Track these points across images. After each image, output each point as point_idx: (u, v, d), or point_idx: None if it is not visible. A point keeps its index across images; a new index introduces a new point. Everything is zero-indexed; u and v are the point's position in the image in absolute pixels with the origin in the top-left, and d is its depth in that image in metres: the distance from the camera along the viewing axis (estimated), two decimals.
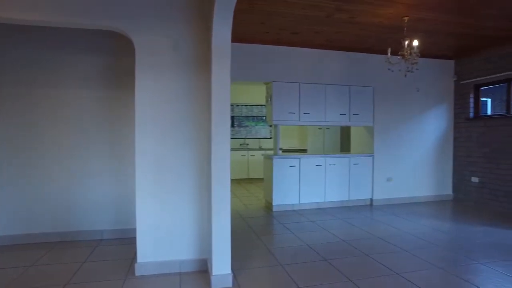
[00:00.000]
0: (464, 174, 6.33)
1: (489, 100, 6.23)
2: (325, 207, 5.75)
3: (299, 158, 5.51)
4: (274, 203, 5.43)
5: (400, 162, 6.12)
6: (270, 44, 5.39)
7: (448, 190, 6.53)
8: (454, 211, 5.64)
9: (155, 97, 2.96)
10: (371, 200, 6.00)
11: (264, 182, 6.05)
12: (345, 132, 9.70)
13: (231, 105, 9.45)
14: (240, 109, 9.59)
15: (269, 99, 5.51)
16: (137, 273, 2.93)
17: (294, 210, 5.52)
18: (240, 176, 8.86)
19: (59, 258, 3.37)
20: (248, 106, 9.61)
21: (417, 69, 4.22)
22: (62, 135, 3.87)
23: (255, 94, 9.48)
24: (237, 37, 5.00)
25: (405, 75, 4.62)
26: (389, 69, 4.26)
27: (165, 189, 3.00)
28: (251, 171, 8.86)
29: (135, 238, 3.06)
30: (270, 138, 9.72)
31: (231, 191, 7.57)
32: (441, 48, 5.69)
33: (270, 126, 9.94)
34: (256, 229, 4.45)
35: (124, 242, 3.83)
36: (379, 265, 3.20)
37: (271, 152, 8.96)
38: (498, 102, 5.98)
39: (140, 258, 2.95)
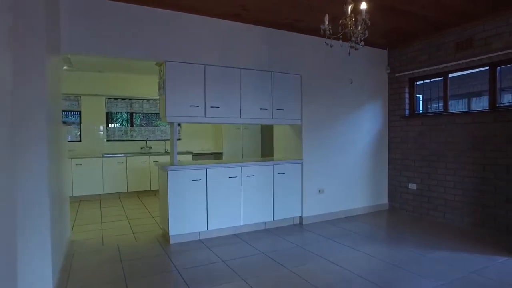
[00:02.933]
0: (400, 180, 5.50)
1: (419, 96, 5.50)
2: (242, 232, 4.34)
3: (205, 169, 4.01)
4: (171, 232, 3.84)
5: (332, 169, 5.00)
6: (163, 8, 3.79)
7: (384, 199, 5.65)
8: (391, 226, 4.70)
9: None
10: (301, 218, 4.77)
11: (159, 202, 4.41)
12: (267, 133, 8.51)
13: (129, 99, 7.55)
14: (140, 104, 7.72)
15: (161, 87, 3.90)
16: None
17: (200, 241, 4.00)
18: (139, 187, 7.03)
19: None
20: (150, 100, 7.79)
21: (362, 45, 3.06)
22: None
23: None
24: None
25: (349, 53, 3.42)
26: (327, 44, 3.01)
27: None
28: (154, 181, 7.10)
29: None
30: (179, 139, 8.04)
31: (123, 208, 5.74)
32: (373, 33, 4.68)
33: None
34: (133, 283, 2.82)
35: None
36: None
37: (181, 157, 7.29)
38: (431, 98, 5.23)
39: None
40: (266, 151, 8.32)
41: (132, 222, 4.90)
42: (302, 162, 4.71)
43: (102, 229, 4.57)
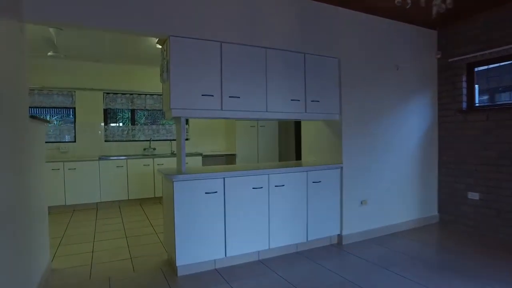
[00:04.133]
0: (455, 187, 4.50)
1: (477, 86, 4.50)
2: (269, 257, 3.40)
3: (223, 178, 3.06)
4: (179, 262, 2.90)
5: (376, 174, 4.04)
6: None
7: (433, 211, 4.66)
8: (452, 246, 3.70)
9: None
10: (340, 237, 3.82)
11: (164, 221, 3.49)
12: (285, 132, 7.55)
13: (130, 94, 6.65)
14: (142, 100, 6.81)
15: (164, 70, 2.97)
16: None
17: (216, 272, 3.07)
18: (142, 194, 6.13)
19: None
20: (154, 96, 6.88)
21: (449, 7, 2.12)
22: None
23: None
24: None
25: (434, 15, 2.45)
26: (399, 4, 2.06)
27: None
28: (159, 187, 6.20)
29: None
30: (187, 139, 7.13)
31: (122, 221, 4.83)
32: (419, 9, 3.71)
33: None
34: None
35: None
36: None
37: (189, 160, 6.37)
38: (500, 87, 4.24)
39: None
40: (284, 153, 7.39)
41: (131, 241, 3.99)
42: (341, 167, 3.75)
43: (93, 251, 3.67)
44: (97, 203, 5.87)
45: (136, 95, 6.72)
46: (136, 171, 6.05)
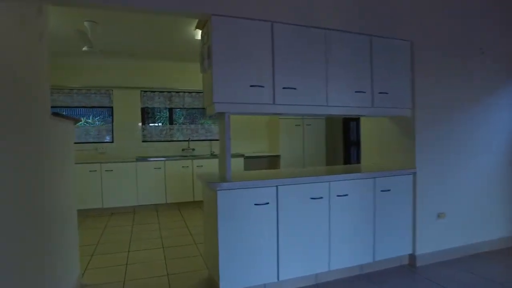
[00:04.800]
0: None
1: None
2: (329, 280, 2.83)
3: (275, 186, 2.53)
4: (223, 285, 2.42)
5: (456, 181, 3.33)
6: None
7: None
8: None
9: None
10: (412, 257, 3.16)
11: (204, 231, 3.03)
12: (331, 130, 6.88)
13: (168, 92, 6.33)
14: (181, 98, 6.47)
15: (205, 57, 2.49)
16: None
17: None
18: (181, 198, 5.77)
19: None
20: (193, 93, 6.52)
21: None
22: None
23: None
24: None
25: None
26: None
27: None
28: (198, 191, 5.82)
29: None
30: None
31: (159, 228, 4.46)
32: None
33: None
34: None
35: None
36: None
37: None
38: None
39: None
40: (331, 155, 6.76)
41: (169, 253, 3.58)
42: (414, 172, 3.09)
43: (127, 264, 3.30)
44: (134, 206, 5.59)
45: (174, 93, 6.38)
46: (175, 173, 5.70)
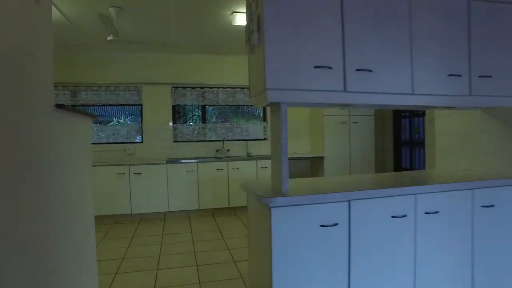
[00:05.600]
0: None
1: None
2: None
3: (347, 200, 1.88)
4: None
5: None
6: None
7: None
8: None
9: None
10: None
11: (248, 252, 2.42)
12: (380, 128, 6.04)
13: (200, 87, 5.82)
14: (215, 93, 5.93)
15: (254, 30, 1.88)
16: None
17: None
18: (215, 204, 5.24)
19: None
20: (228, 88, 5.97)
21: None
22: None
23: (241, 69, 5.88)
24: None
25: None
26: None
27: None
28: (234, 196, 5.26)
29: None
30: (265, 139, 6.10)
31: (192, 240, 3.90)
32: None
33: (260, 110, 6.37)
34: None
35: None
36: None
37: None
38: None
39: None
40: (380, 157, 6.00)
41: (203, 273, 3.02)
42: None
43: (155, 287, 2.77)
44: (164, 212, 5.12)
45: (208, 88, 5.86)
46: (208, 176, 5.18)
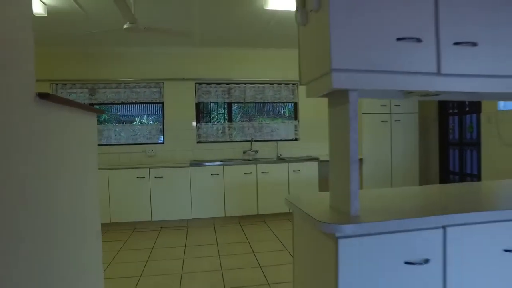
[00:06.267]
0: None
1: None
2: None
3: (442, 228, 1.34)
4: None
5: None
6: None
7: None
8: None
9: None
10: None
11: (293, 279, 1.92)
12: (425, 128, 5.26)
13: (226, 83, 5.36)
14: (241, 90, 5.45)
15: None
16: None
17: None
18: (242, 211, 4.76)
19: None
20: (255, 84, 5.47)
21: None
22: None
23: (270, 63, 5.37)
24: None
25: None
26: None
27: None
28: (263, 202, 4.76)
29: None
30: (296, 139, 5.57)
31: (218, 253, 3.41)
32: None
33: (292, 107, 5.84)
34: None
35: None
36: None
37: (302, 167, 4.84)
38: None
39: None
40: (424, 160, 5.36)
41: None
42: None
43: None
44: (187, 220, 4.68)
45: (234, 84, 5.39)
46: (235, 181, 4.70)
